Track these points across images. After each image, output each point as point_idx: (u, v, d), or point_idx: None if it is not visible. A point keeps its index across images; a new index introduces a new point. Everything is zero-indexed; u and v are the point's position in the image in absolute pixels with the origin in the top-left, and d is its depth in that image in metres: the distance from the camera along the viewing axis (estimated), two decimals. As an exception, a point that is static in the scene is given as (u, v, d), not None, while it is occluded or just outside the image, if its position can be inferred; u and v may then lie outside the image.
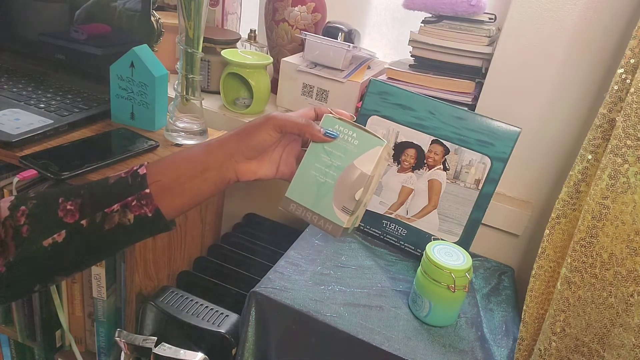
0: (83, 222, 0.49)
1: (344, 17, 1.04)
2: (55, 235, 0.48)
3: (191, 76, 0.78)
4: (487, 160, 0.74)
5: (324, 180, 0.55)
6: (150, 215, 0.50)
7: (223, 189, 0.55)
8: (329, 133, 0.54)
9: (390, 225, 0.82)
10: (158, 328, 0.76)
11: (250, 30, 1.07)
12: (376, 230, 0.83)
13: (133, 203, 0.49)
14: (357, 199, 0.54)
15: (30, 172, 0.68)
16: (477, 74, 0.84)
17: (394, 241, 0.82)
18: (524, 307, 0.66)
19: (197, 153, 0.53)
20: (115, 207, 0.49)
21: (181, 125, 0.82)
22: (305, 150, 0.56)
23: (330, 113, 0.56)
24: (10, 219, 0.49)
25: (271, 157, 0.57)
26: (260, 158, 0.56)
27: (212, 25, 1.10)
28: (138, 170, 0.51)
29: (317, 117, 0.57)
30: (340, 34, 0.96)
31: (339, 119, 0.55)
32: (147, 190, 0.49)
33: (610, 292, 0.58)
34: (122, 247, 0.54)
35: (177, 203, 0.52)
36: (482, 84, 0.84)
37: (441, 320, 0.68)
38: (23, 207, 0.49)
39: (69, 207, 0.49)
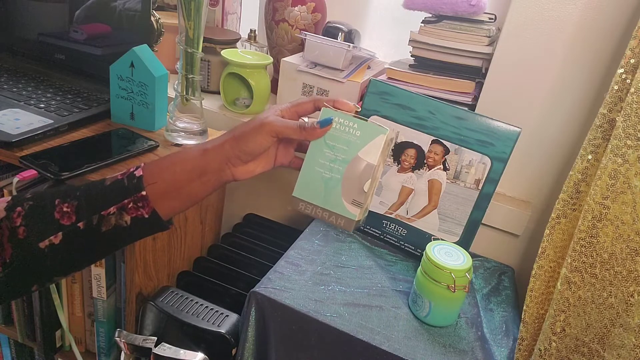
0: (80, 224, 0.49)
1: (344, 17, 1.04)
2: (51, 237, 0.48)
3: (191, 76, 0.78)
4: (487, 160, 0.74)
5: (330, 176, 0.54)
6: (147, 216, 0.50)
7: (219, 188, 0.55)
8: (324, 120, 0.53)
9: (390, 225, 0.82)
10: (158, 328, 0.76)
11: (250, 30, 1.07)
12: (376, 230, 0.83)
13: (129, 205, 0.49)
14: (366, 190, 0.54)
15: (30, 172, 0.68)
16: (477, 74, 0.84)
17: (394, 241, 0.82)
18: (524, 307, 0.66)
19: (194, 157, 0.53)
20: (112, 209, 0.49)
21: (181, 125, 0.82)
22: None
23: (332, 105, 0.55)
24: (6, 220, 0.48)
25: (268, 153, 0.57)
26: (256, 158, 0.55)
27: (212, 25, 1.10)
28: (134, 172, 0.51)
29: (317, 109, 0.56)
30: (340, 34, 0.96)
31: (338, 110, 0.54)
32: (144, 193, 0.49)
33: (611, 292, 0.58)
34: (120, 247, 0.54)
35: (173, 205, 0.52)
36: (482, 84, 0.84)
37: (441, 320, 0.68)
38: (19, 208, 0.49)
39: (65, 209, 0.49)
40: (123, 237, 0.51)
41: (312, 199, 0.55)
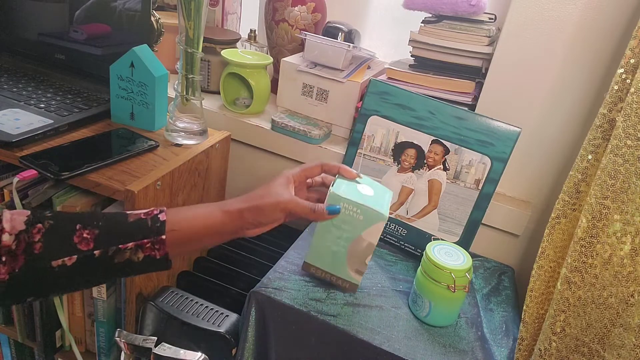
0: (96, 252, 0.51)
1: (344, 17, 1.04)
2: (65, 259, 0.50)
3: (191, 76, 0.78)
4: (487, 160, 0.74)
5: (337, 249, 0.64)
6: (158, 257, 0.53)
7: None
8: (332, 209, 0.61)
9: (390, 225, 0.82)
10: (158, 328, 0.76)
11: (250, 30, 1.07)
12: (376, 230, 0.83)
13: (147, 245, 0.53)
14: (367, 263, 0.64)
15: (30, 172, 0.68)
16: (477, 74, 0.84)
17: (394, 241, 0.82)
18: (524, 307, 0.66)
19: (215, 216, 0.58)
20: (130, 245, 0.52)
21: (181, 125, 0.82)
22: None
23: (337, 172, 0.65)
24: (25, 233, 0.50)
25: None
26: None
27: (212, 25, 1.10)
28: (159, 216, 0.54)
29: (324, 171, 0.65)
30: (340, 34, 0.96)
31: (342, 175, 0.65)
32: (163, 237, 0.53)
33: (610, 292, 0.58)
34: (120, 278, 0.58)
35: (183, 251, 0.57)
36: (482, 84, 0.84)
37: (441, 320, 0.68)
38: (39, 225, 0.51)
39: (85, 235, 0.51)
40: (129, 270, 0.54)
41: (322, 266, 0.66)
